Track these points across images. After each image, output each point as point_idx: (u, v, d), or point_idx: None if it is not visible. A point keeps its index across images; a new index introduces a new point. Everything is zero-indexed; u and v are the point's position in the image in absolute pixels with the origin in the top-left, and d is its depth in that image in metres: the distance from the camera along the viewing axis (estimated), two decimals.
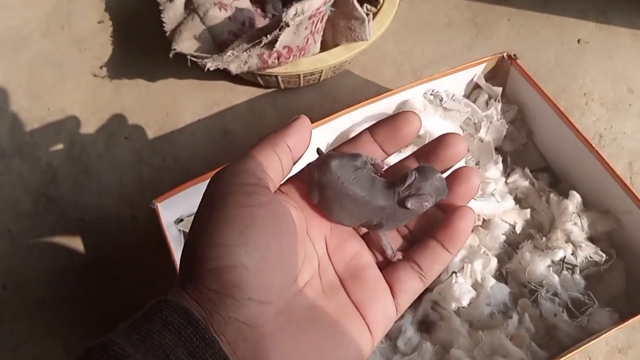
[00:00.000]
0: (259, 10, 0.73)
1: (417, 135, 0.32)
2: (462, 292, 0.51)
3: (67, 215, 0.65)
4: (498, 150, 0.62)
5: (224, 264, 0.24)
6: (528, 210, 0.56)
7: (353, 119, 0.60)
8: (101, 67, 0.76)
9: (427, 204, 0.29)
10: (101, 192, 0.67)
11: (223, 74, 0.66)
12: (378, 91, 0.72)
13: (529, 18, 0.80)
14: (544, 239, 0.54)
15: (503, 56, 0.62)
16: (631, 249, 0.54)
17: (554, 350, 0.48)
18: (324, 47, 0.67)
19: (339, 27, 0.65)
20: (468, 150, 0.61)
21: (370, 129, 0.32)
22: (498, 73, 0.64)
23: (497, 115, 0.61)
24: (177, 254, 0.50)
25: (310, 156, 0.32)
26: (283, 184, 0.31)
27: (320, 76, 0.70)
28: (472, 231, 0.55)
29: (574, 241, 0.53)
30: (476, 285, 0.52)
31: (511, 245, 0.56)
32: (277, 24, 0.56)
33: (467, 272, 0.52)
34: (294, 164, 0.30)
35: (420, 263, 0.30)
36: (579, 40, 0.78)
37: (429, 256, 0.30)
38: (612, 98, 0.73)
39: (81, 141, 0.70)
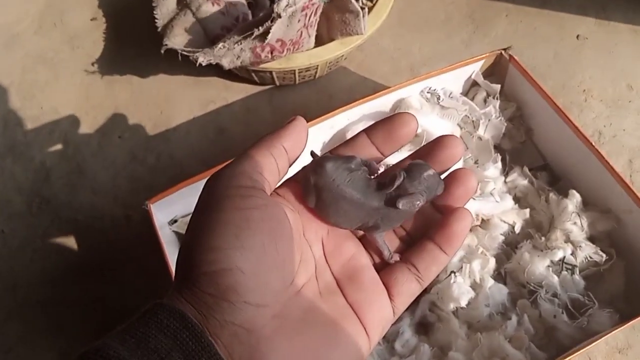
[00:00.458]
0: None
1: (414, 135, 0.32)
2: (461, 292, 0.50)
3: (60, 216, 0.64)
4: (497, 148, 0.61)
5: (219, 267, 0.24)
6: (527, 210, 0.55)
7: (349, 118, 0.59)
8: (94, 65, 0.75)
9: (418, 202, 0.29)
10: (95, 192, 0.66)
11: (218, 71, 0.66)
12: (375, 88, 0.71)
13: (528, 14, 0.80)
14: (543, 238, 0.53)
15: (501, 53, 0.61)
16: (631, 248, 0.53)
17: (553, 351, 0.48)
18: (319, 42, 0.66)
19: (333, 20, 0.64)
20: (467, 148, 0.60)
21: (366, 131, 0.32)
22: (496, 70, 0.64)
23: (496, 113, 0.60)
24: (170, 255, 0.49)
25: (306, 158, 0.31)
26: (279, 186, 0.31)
27: (315, 73, 0.69)
28: (471, 231, 0.55)
29: (574, 241, 0.52)
30: (474, 286, 0.51)
31: (510, 245, 0.55)
32: (269, 16, 0.55)
33: (466, 273, 0.51)
34: (290, 166, 0.30)
35: (417, 265, 0.29)
36: (578, 37, 0.77)
37: (426, 258, 0.30)
38: (612, 95, 0.72)
39: (75, 140, 0.69)
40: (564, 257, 0.52)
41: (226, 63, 0.60)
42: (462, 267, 0.51)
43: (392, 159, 0.55)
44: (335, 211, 0.29)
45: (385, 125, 0.31)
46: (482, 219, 0.55)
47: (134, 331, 0.23)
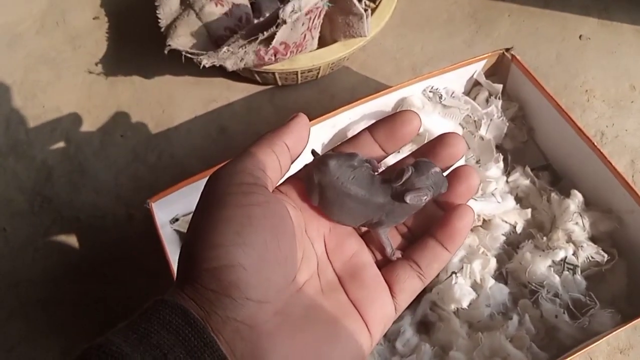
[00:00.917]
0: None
1: (417, 133, 0.32)
2: (463, 293, 0.50)
3: (62, 215, 0.64)
4: (498, 148, 0.61)
5: (221, 263, 0.24)
6: (529, 210, 0.55)
7: (351, 117, 0.59)
8: (96, 64, 0.75)
9: (425, 197, 0.29)
10: (97, 191, 0.66)
11: (220, 71, 0.66)
12: (377, 88, 0.71)
13: (530, 14, 0.79)
14: (544, 238, 0.53)
15: (503, 53, 0.61)
16: (633, 249, 0.53)
17: (554, 351, 0.48)
18: (322, 43, 0.66)
19: (336, 23, 0.64)
20: (469, 148, 0.60)
21: (369, 129, 0.32)
22: (498, 70, 0.64)
23: (498, 113, 0.60)
24: (172, 254, 0.49)
25: (307, 157, 0.31)
26: (282, 184, 0.31)
27: (318, 73, 0.69)
28: (472, 231, 0.55)
29: (575, 241, 0.52)
30: (475, 286, 0.51)
31: (511, 245, 0.55)
32: (274, 21, 0.55)
33: (467, 273, 0.51)
34: (292, 163, 0.30)
35: (419, 262, 0.30)
36: (580, 37, 0.77)
37: (428, 255, 0.30)
38: (614, 95, 0.72)
39: (76, 139, 0.70)
40: (566, 257, 0.52)
41: (230, 65, 0.60)
42: (463, 268, 0.51)
43: (391, 159, 0.55)
44: (339, 209, 0.29)
45: (388, 123, 0.31)
46: (484, 219, 0.55)
47: (137, 327, 0.23)
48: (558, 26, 0.78)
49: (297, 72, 0.66)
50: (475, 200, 0.53)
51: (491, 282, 0.51)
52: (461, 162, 0.55)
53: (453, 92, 0.61)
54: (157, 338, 0.23)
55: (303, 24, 0.58)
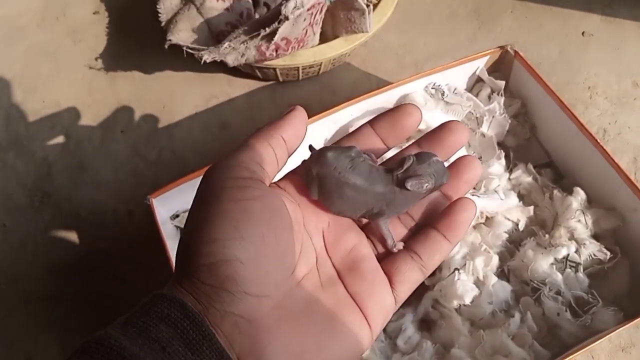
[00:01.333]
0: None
1: (417, 128, 0.32)
2: (465, 289, 0.50)
3: (62, 210, 0.64)
4: (500, 145, 0.61)
5: (218, 258, 0.24)
6: (531, 208, 0.55)
7: (352, 113, 0.59)
8: (96, 59, 0.75)
9: (426, 184, 0.29)
10: (97, 187, 0.66)
11: (221, 67, 0.65)
12: (378, 84, 0.71)
13: (533, 10, 0.79)
14: (547, 236, 0.53)
15: (506, 49, 0.60)
16: (636, 246, 0.53)
17: (556, 349, 0.47)
18: (324, 39, 0.66)
19: (338, 18, 0.64)
20: (469, 145, 0.60)
21: (371, 122, 0.32)
22: (501, 66, 0.63)
23: (500, 110, 0.60)
24: (172, 250, 0.49)
25: (305, 153, 0.31)
26: (280, 180, 0.31)
27: (319, 69, 0.69)
28: (475, 228, 0.54)
29: (578, 239, 0.52)
30: (478, 283, 0.51)
31: (514, 243, 0.55)
32: (276, 17, 0.55)
33: (469, 270, 0.51)
34: (289, 156, 0.30)
35: (420, 253, 0.29)
36: (583, 33, 0.77)
37: (429, 246, 0.30)
38: (617, 92, 0.72)
39: (76, 134, 0.69)
40: (568, 255, 0.51)
41: (231, 60, 0.60)
42: (465, 265, 0.51)
43: (391, 154, 0.55)
44: (339, 199, 0.29)
45: (389, 117, 0.31)
46: (486, 217, 0.54)
47: (135, 321, 0.24)
48: (561, 22, 0.78)
49: (298, 67, 0.66)
50: (478, 197, 0.53)
51: (493, 279, 0.51)
52: (464, 152, 0.55)
53: (455, 89, 0.61)
54: (155, 331, 0.23)
55: (305, 20, 0.58)
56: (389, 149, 0.32)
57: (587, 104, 0.71)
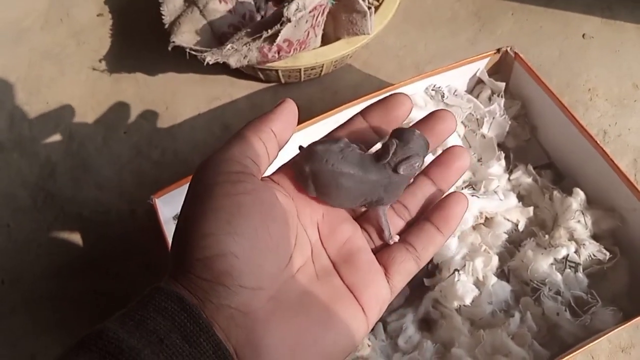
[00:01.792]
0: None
1: (408, 116, 0.33)
2: (466, 290, 0.50)
3: (65, 210, 0.65)
4: (501, 146, 0.61)
5: (213, 253, 0.25)
6: (531, 208, 0.55)
7: (353, 114, 0.59)
8: (100, 61, 0.75)
9: (417, 163, 0.29)
10: (100, 187, 0.66)
11: (223, 68, 0.66)
12: (380, 86, 0.71)
13: (533, 12, 0.79)
14: (546, 236, 0.53)
15: (506, 51, 0.61)
16: (635, 247, 0.53)
17: (556, 349, 0.48)
18: (325, 41, 0.66)
19: (340, 20, 0.64)
20: (470, 146, 0.60)
21: (362, 113, 0.33)
22: (501, 68, 0.64)
23: (500, 111, 0.60)
24: None
25: (295, 148, 0.32)
26: (274, 173, 0.32)
27: (321, 70, 0.69)
28: (474, 229, 0.55)
29: (577, 239, 0.52)
30: (477, 284, 0.51)
31: (513, 243, 0.55)
32: (278, 19, 0.55)
33: (469, 270, 0.51)
34: (280, 149, 0.30)
35: (415, 245, 0.30)
36: (583, 35, 0.77)
37: (423, 238, 0.30)
38: (617, 94, 0.72)
39: (80, 135, 0.70)
40: (568, 255, 0.52)
41: (233, 62, 0.60)
42: (465, 265, 0.51)
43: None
44: (336, 191, 0.29)
45: (380, 106, 0.32)
46: (486, 217, 0.55)
47: (133, 314, 0.24)
48: (561, 24, 0.78)
49: (300, 69, 0.66)
50: (478, 197, 0.54)
51: (493, 279, 0.51)
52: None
53: (455, 91, 0.61)
54: (153, 324, 0.24)
55: (307, 22, 0.58)
56: (381, 138, 0.32)
57: (587, 105, 0.71)
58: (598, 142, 0.54)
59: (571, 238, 0.53)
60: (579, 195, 0.54)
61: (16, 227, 0.64)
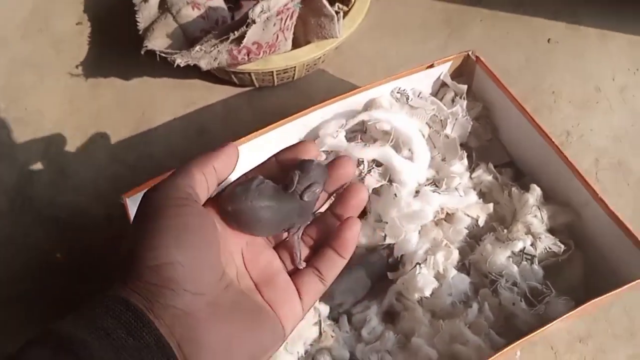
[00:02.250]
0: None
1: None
2: (426, 282, 0.52)
3: (42, 214, 0.66)
4: (463, 146, 0.63)
5: (162, 261, 0.28)
6: (491, 205, 0.57)
7: (322, 116, 0.61)
8: (78, 68, 0.77)
9: (317, 190, 0.34)
10: (77, 191, 0.68)
11: (199, 73, 0.67)
12: (352, 89, 0.73)
13: (501, 19, 0.82)
14: (505, 231, 0.55)
15: (468, 55, 0.63)
16: (589, 240, 0.55)
17: (512, 337, 0.49)
18: (296, 45, 0.69)
19: (309, 24, 0.66)
20: (435, 147, 0.62)
21: (276, 155, 0.37)
22: (464, 71, 0.66)
23: (463, 112, 0.62)
24: None
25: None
26: (204, 205, 0.35)
27: (294, 74, 0.71)
28: (436, 224, 0.57)
29: (534, 233, 0.54)
30: (438, 276, 0.53)
31: (474, 238, 0.57)
32: (244, 21, 0.57)
33: (430, 264, 0.53)
34: (219, 184, 0.34)
35: (320, 269, 0.35)
36: (549, 40, 0.80)
37: (327, 262, 0.35)
38: (580, 96, 0.74)
39: (58, 141, 0.71)
40: (524, 248, 0.54)
41: (204, 64, 0.62)
42: (426, 259, 0.53)
43: (357, 153, 0.57)
44: (259, 223, 0.33)
45: (291, 151, 0.36)
46: (447, 213, 0.57)
47: (83, 316, 0.28)
48: (528, 30, 0.81)
49: (272, 72, 0.68)
50: (439, 193, 0.55)
51: (453, 272, 0.53)
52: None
53: (420, 93, 0.63)
54: (101, 322, 0.27)
55: (275, 25, 0.60)
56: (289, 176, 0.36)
57: (551, 108, 0.73)
58: (553, 140, 0.56)
59: (528, 232, 0.54)
60: (536, 191, 0.56)
61: None
